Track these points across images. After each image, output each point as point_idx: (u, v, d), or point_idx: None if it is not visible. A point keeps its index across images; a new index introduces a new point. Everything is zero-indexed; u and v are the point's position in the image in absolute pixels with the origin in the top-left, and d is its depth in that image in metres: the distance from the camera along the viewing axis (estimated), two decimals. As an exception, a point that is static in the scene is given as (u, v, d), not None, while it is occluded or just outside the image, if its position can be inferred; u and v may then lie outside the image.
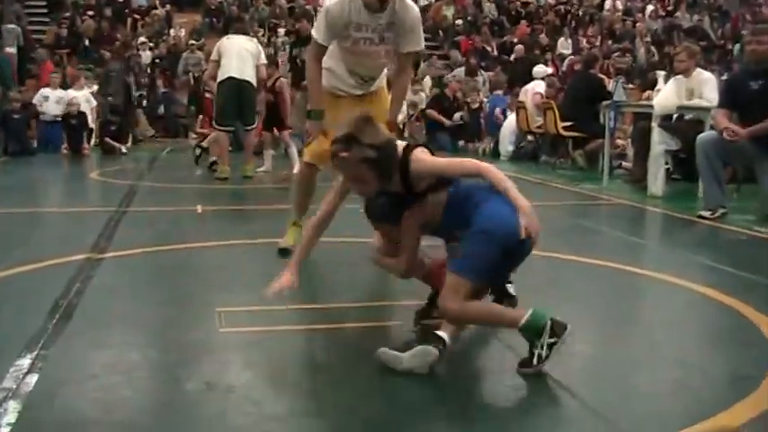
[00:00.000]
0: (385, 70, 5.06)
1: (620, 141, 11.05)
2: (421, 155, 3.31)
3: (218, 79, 9.94)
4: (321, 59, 4.85)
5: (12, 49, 17.54)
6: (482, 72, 18.63)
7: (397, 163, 3.30)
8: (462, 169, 3.29)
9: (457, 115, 15.24)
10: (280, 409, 2.76)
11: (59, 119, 14.18)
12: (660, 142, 8.36)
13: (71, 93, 14.79)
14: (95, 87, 16.11)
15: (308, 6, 19.61)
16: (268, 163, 10.92)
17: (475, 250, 3.12)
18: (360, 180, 3.33)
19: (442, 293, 3.17)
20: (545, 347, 3.04)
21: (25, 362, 3.05)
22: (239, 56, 9.79)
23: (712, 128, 7.70)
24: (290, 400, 2.85)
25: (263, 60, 10.09)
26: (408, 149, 3.33)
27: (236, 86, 9.78)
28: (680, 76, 8.54)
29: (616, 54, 20.11)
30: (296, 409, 2.78)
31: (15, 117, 13.64)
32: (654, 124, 8.43)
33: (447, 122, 15.10)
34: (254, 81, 9.90)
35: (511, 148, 13.23)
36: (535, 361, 3.03)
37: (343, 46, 4.77)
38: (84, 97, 14.84)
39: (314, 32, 4.78)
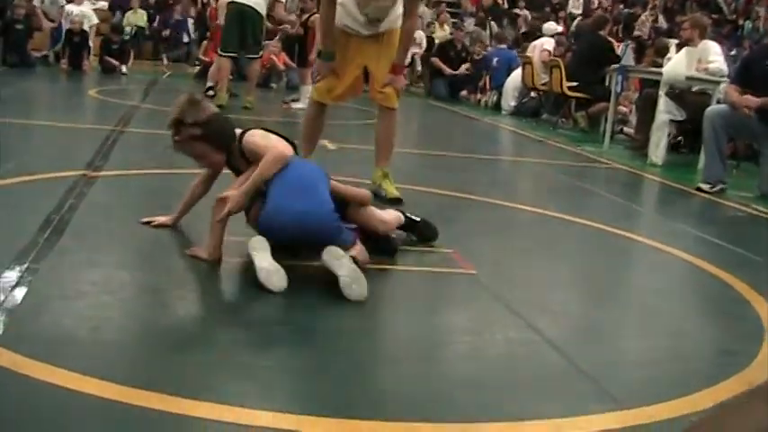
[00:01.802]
0: (399, 12, 4.97)
1: (622, 108, 10.96)
2: (253, 135, 3.61)
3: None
4: (335, 1, 4.79)
5: None
6: (492, 24, 18.42)
7: (232, 135, 3.62)
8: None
9: (463, 67, 15.10)
10: (264, 338, 2.74)
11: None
12: (665, 111, 8.30)
13: (69, 7, 14.59)
14: (100, 4, 15.91)
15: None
16: (305, 100, 10.41)
17: None
18: (200, 156, 3.69)
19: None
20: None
21: (14, 275, 3.00)
22: None
23: (719, 102, 7.65)
24: (271, 330, 2.82)
25: None
26: (244, 131, 3.65)
27: (238, 11, 9.61)
28: (690, 47, 8.48)
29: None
30: (277, 336, 2.77)
31: (18, 28, 13.45)
32: (661, 92, 8.36)
33: (447, 71, 14.95)
34: (260, 9, 9.71)
35: (513, 103, 13.14)
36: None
37: None
38: (82, 14, 14.62)
39: None
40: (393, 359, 2.73)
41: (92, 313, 2.76)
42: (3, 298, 2.76)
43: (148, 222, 3.93)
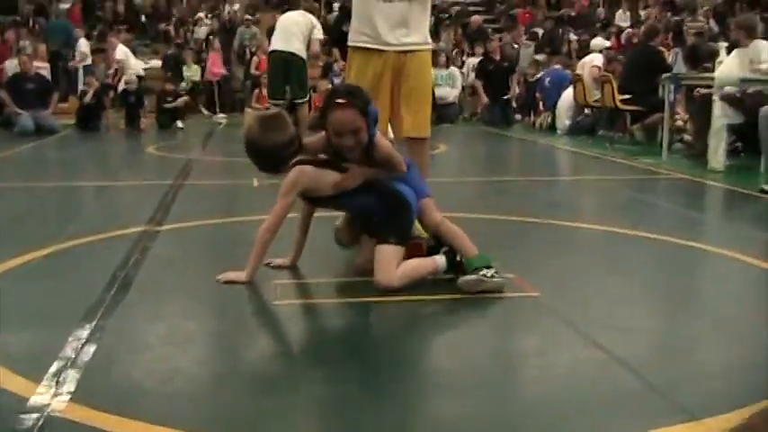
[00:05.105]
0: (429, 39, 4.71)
1: (679, 120, 10.77)
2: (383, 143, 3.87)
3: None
4: None
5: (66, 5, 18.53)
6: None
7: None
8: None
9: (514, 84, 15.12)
10: (334, 379, 2.74)
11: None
12: (722, 116, 8.18)
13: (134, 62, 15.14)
14: (153, 63, 16.31)
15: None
16: None
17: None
18: (356, 131, 3.70)
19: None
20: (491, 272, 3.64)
21: (84, 332, 3.07)
22: (285, 29, 9.81)
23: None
24: (345, 370, 2.83)
25: (318, 36, 10.01)
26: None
27: (279, 59, 9.80)
28: (741, 48, 8.38)
29: (689, 19, 19.61)
30: (351, 378, 2.76)
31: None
32: (715, 97, 8.24)
33: (484, 100, 15.08)
34: (300, 53, 9.83)
35: (568, 122, 13.04)
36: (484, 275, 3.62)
37: None
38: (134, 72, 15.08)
39: None
40: (461, 386, 2.71)
41: (160, 365, 2.80)
42: (74, 356, 2.82)
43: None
